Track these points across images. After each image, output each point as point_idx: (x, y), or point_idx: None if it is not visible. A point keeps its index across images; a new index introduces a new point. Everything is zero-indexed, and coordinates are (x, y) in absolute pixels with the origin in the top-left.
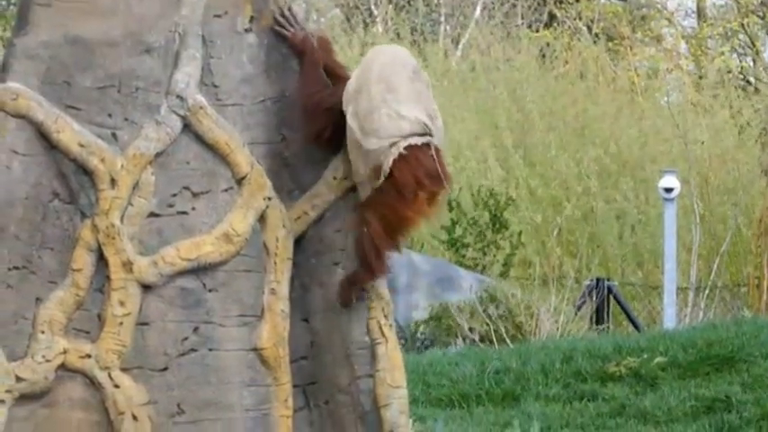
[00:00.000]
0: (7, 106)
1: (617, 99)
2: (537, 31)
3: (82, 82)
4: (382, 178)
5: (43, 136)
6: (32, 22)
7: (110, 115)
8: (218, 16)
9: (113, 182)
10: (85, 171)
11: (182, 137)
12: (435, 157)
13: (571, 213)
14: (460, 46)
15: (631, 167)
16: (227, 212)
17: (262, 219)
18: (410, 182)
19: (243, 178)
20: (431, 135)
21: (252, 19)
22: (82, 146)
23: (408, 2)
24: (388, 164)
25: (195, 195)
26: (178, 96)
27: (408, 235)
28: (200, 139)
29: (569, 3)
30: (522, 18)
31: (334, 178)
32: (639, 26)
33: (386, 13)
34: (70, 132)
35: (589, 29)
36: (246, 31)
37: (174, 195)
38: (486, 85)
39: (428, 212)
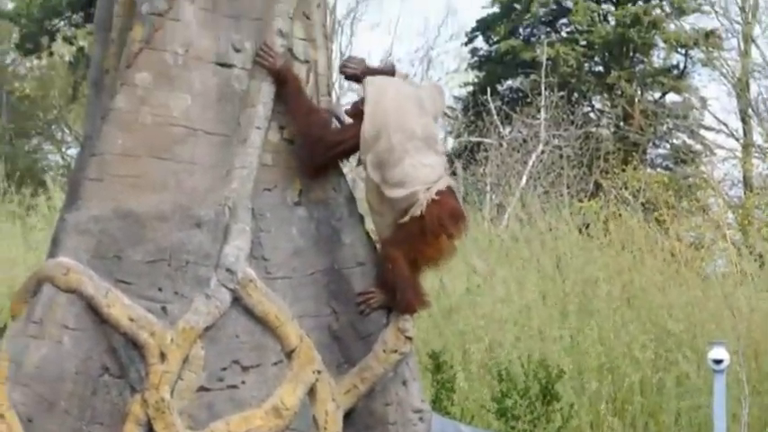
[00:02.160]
0: (58, 281)
1: (663, 269)
2: (582, 200)
3: (132, 256)
4: (407, 219)
5: (93, 310)
6: (83, 197)
7: (160, 289)
8: (268, 189)
9: (163, 356)
10: (135, 345)
11: (231, 310)
12: (456, 198)
13: (622, 384)
14: (506, 215)
15: (680, 338)
16: (276, 386)
17: (311, 392)
18: (435, 224)
19: (292, 351)
20: (448, 172)
21: (301, 192)
22: (132, 320)
23: (453, 172)
24: (421, 208)
25: (245, 369)
26: (228, 270)
27: (427, 269)
28: (249, 312)
29: (615, 173)
30: (568, 187)
31: (384, 351)
32: (685, 196)
33: None
34: (120, 307)
35: (635, 198)
36: (296, 204)
37: (224, 369)
38: (531, 256)
39: (447, 251)
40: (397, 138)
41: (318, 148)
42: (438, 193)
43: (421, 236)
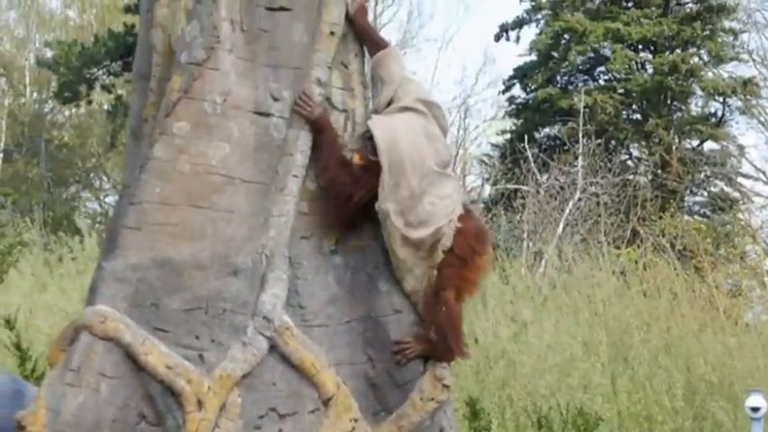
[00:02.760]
0: (96, 329)
1: (700, 317)
2: (619, 247)
3: (170, 304)
4: (441, 254)
5: (131, 358)
6: (121, 245)
7: (197, 337)
8: (305, 238)
9: (200, 404)
10: (172, 393)
11: (268, 358)
12: (473, 215)
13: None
14: (543, 262)
15: (718, 386)
16: None
17: None
18: (467, 250)
19: (329, 399)
20: (460, 190)
21: (338, 240)
22: (169, 368)
23: (491, 218)
24: (450, 240)
25: (282, 417)
26: (264, 317)
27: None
28: (286, 359)
29: (652, 220)
30: (605, 235)
31: (421, 399)
32: (723, 243)
33: None
34: (158, 354)
35: (672, 246)
36: (333, 252)
37: (261, 417)
38: (568, 302)
39: (485, 269)
40: (416, 181)
41: (340, 203)
42: (459, 218)
43: (462, 264)
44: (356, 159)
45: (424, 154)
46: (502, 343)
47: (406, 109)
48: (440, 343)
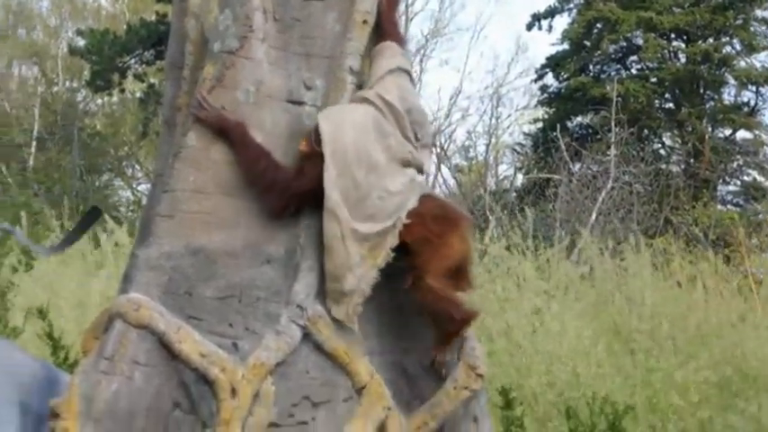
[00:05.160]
0: (129, 317)
1: (735, 307)
2: (652, 236)
3: (203, 292)
4: (388, 254)
5: (164, 346)
6: (155, 233)
7: (231, 325)
8: None
9: (234, 392)
10: (206, 381)
11: (301, 346)
12: (432, 201)
13: (691, 423)
14: (576, 251)
15: (752, 378)
16: (346, 422)
17: (381, 429)
18: (427, 233)
19: (362, 388)
20: (419, 184)
21: None
22: (203, 356)
23: (522, 208)
24: (396, 239)
25: (315, 405)
26: (298, 306)
27: (465, 266)
28: (319, 348)
29: (685, 209)
30: (638, 224)
31: (454, 388)
32: (756, 232)
33: (500, 218)
34: (191, 342)
35: (705, 235)
36: None
37: (295, 405)
38: (601, 291)
39: (465, 240)
40: (361, 173)
41: (272, 193)
42: (409, 215)
43: (428, 251)
44: (301, 146)
45: (372, 148)
46: (531, 333)
47: (364, 100)
48: (447, 321)
